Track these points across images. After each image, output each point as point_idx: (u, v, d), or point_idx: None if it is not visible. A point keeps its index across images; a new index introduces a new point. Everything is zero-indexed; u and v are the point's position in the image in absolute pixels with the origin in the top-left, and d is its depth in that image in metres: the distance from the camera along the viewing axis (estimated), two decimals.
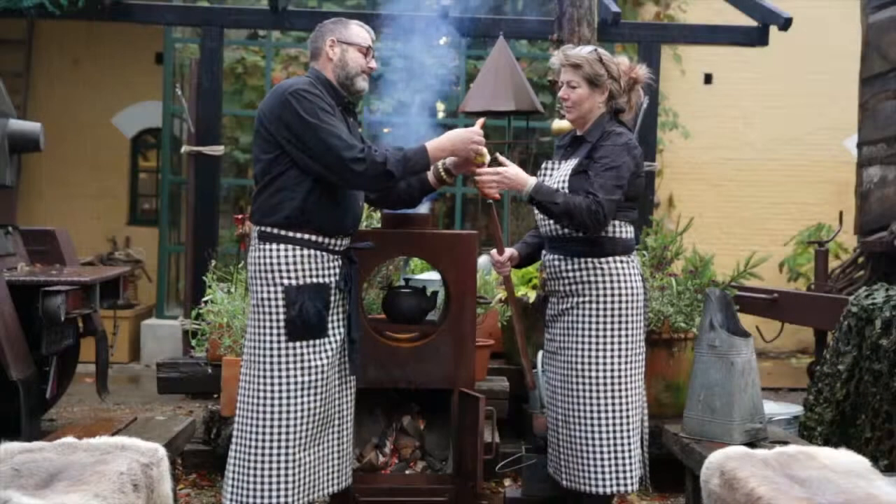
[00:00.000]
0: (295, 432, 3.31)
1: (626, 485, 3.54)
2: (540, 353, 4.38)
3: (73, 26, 9.42)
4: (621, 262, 3.54)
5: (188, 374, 5.25)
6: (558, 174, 3.58)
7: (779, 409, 4.92)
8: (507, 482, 4.77)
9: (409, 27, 6.80)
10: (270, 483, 3.29)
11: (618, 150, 3.45)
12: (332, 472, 3.49)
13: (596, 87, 3.55)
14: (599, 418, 3.51)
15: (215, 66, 7.15)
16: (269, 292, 3.32)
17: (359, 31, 3.48)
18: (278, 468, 3.30)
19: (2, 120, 5.46)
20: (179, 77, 9.11)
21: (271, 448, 3.30)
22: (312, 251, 3.33)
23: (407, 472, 3.83)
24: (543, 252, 3.70)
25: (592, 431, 3.51)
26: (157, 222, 9.44)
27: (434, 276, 4.75)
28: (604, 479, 3.50)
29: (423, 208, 6.83)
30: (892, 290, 4.52)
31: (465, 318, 3.76)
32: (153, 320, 9.02)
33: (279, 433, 3.30)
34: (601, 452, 3.51)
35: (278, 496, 3.29)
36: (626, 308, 3.54)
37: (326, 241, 3.36)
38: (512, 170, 3.49)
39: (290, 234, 3.31)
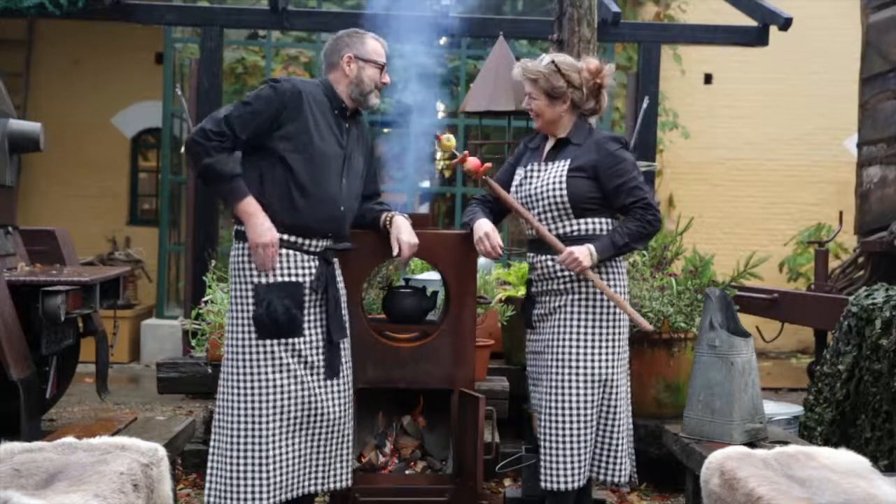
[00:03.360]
0: (265, 430, 3.33)
1: (627, 475, 3.62)
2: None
3: (73, 26, 9.42)
4: (615, 268, 3.63)
5: (188, 374, 5.25)
6: (548, 176, 3.59)
7: (779, 409, 4.92)
8: (507, 482, 4.78)
9: (409, 27, 6.80)
10: (241, 479, 3.33)
11: (621, 153, 3.56)
12: (314, 471, 3.46)
13: (555, 99, 3.60)
14: (587, 412, 3.54)
15: (215, 66, 7.15)
16: (241, 290, 3.38)
17: (375, 48, 3.52)
18: (247, 465, 3.33)
19: (2, 120, 5.46)
20: (179, 77, 9.11)
21: (242, 445, 3.34)
22: (285, 250, 3.37)
23: (407, 472, 3.83)
24: (530, 255, 3.72)
25: (581, 426, 3.54)
26: (157, 222, 9.44)
27: (434, 276, 4.74)
28: (606, 472, 3.56)
29: (423, 208, 6.83)
30: (892, 290, 4.52)
31: (465, 318, 3.76)
32: (153, 320, 9.02)
33: (249, 430, 3.34)
34: (599, 446, 3.54)
35: (250, 493, 3.32)
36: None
37: (300, 241, 3.40)
38: (577, 252, 3.49)
39: None
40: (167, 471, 3.03)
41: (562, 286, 3.59)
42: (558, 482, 3.50)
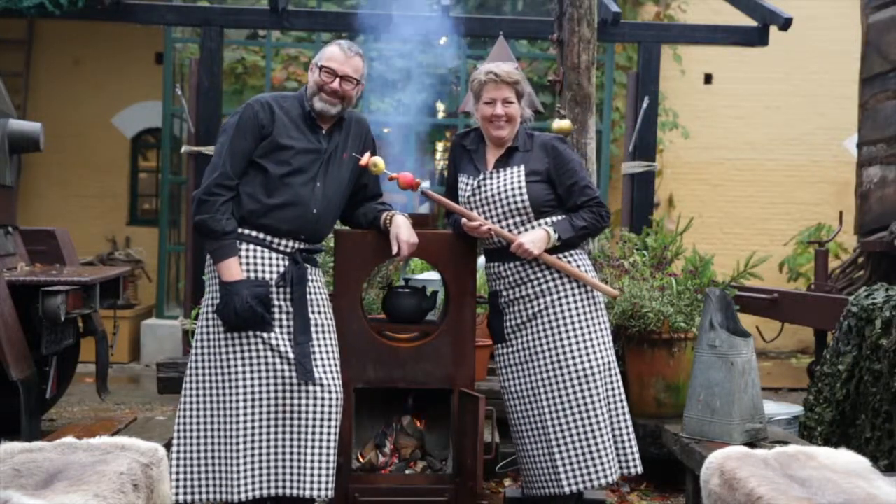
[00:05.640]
0: (235, 420, 3.37)
1: (636, 466, 3.66)
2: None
3: (73, 26, 9.41)
4: (578, 254, 3.69)
5: None
6: (503, 182, 3.63)
7: (779, 409, 4.92)
8: (507, 482, 4.77)
9: (409, 27, 6.79)
10: (175, 475, 3.41)
11: (568, 153, 3.70)
12: (289, 472, 3.42)
13: (521, 99, 3.70)
14: (600, 406, 3.58)
15: (215, 66, 7.14)
16: (211, 284, 3.50)
17: (330, 53, 3.54)
18: (181, 458, 3.44)
19: (2, 120, 5.46)
20: (179, 77, 9.11)
21: (212, 436, 3.43)
22: (254, 247, 3.44)
23: (407, 472, 3.83)
24: (495, 264, 3.73)
25: (598, 420, 3.57)
26: (157, 222, 9.44)
27: (434, 276, 4.74)
28: (612, 467, 3.57)
29: (424, 208, 6.83)
30: (892, 290, 4.52)
31: (465, 318, 3.76)
32: (153, 320, 9.02)
33: (218, 421, 3.42)
34: (604, 440, 3.57)
35: (182, 489, 3.41)
36: (598, 295, 3.68)
37: (271, 240, 3.46)
38: (529, 236, 3.56)
39: (241, 230, 3.45)
40: (167, 471, 3.03)
41: (537, 288, 3.63)
42: (594, 479, 3.55)
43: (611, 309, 4.69)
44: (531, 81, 7.74)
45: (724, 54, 9.90)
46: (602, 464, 3.56)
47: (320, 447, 3.42)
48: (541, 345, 3.61)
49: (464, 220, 3.65)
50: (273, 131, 3.45)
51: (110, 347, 5.78)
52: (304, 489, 3.40)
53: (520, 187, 3.60)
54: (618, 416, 3.65)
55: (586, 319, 3.61)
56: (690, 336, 4.72)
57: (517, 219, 3.62)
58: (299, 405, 3.42)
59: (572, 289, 3.62)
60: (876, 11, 7.02)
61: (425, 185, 8.68)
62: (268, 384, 3.41)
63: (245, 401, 3.39)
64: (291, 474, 3.42)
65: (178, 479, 3.42)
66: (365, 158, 3.60)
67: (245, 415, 3.39)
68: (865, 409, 4.36)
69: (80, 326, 5.60)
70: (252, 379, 3.40)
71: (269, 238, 3.46)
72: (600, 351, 3.61)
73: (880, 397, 4.26)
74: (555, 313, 3.60)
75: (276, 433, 3.42)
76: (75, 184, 10.27)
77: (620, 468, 3.65)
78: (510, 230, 3.63)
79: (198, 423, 3.46)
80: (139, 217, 10.69)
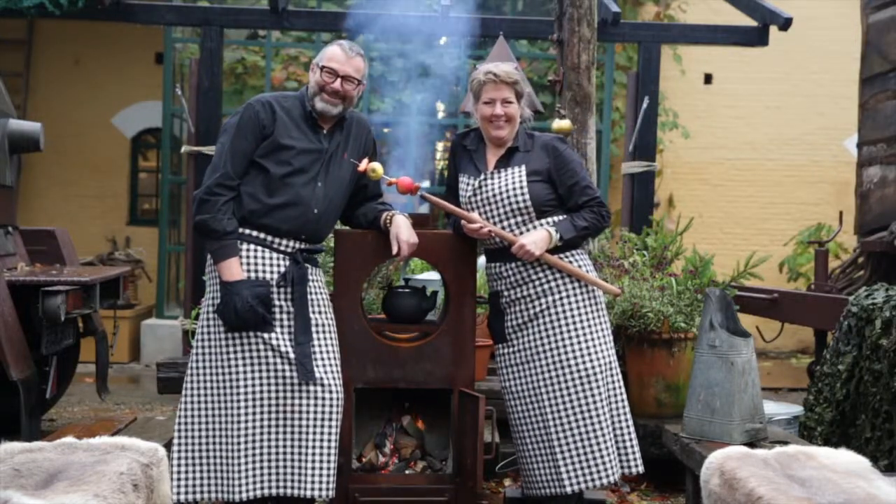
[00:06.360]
0: (235, 420, 3.38)
1: (637, 465, 3.67)
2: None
3: (73, 26, 9.42)
4: (579, 254, 3.69)
5: None
6: (504, 182, 3.63)
7: (779, 409, 4.92)
8: (507, 482, 4.78)
9: (409, 27, 6.80)
10: (176, 474, 3.41)
11: (569, 153, 3.70)
12: (290, 472, 3.42)
13: (520, 100, 3.69)
14: (601, 405, 3.58)
15: (215, 66, 7.14)
16: (212, 284, 3.51)
17: (331, 53, 3.54)
18: (181, 457, 3.44)
19: (2, 120, 5.47)
20: (179, 77, 9.11)
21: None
22: (255, 247, 3.44)
23: (407, 472, 3.83)
24: (496, 265, 3.73)
25: (600, 420, 3.57)
26: (157, 222, 9.45)
27: (434, 276, 4.74)
28: (613, 466, 3.58)
29: (424, 208, 6.85)
30: (892, 290, 4.52)
31: (465, 318, 3.76)
32: (153, 320, 9.02)
33: (219, 421, 3.42)
34: (606, 440, 3.57)
35: (182, 488, 3.41)
36: (598, 295, 3.68)
37: (272, 240, 3.47)
38: (530, 237, 3.56)
39: (241, 230, 3.45)
40: (167, 471, 3.03)
41: (539, 289, 3.63)
42: (595, 478, 3.55)
43: (611, 309, 4.69)
44: (531, 81, 7.74)
45: (724, 54, 9.90)
46: (603, 463, 3.56)
47: (321, 447, 3.42)
48: (542, 345, 3.62)
49: (463, 221, 3.65)
50: (274, 131, 3.46)
51: (110, 347, 5.79)
52: (305, 489, 3.40)
53: (521, 187, 3.60)
54: (619, 415, 3.65)
55: (588, 319, 3.62)
56: (690, 336, 4.72)
57: (519, 219, 3.62)
58: (300, 405, 3.42)
59: (574, 289, 3.62)
60: (876, 11, 7.02)
61: (424, 186, 8.72)
62: (268, 384, 3.41)
63: (245, 401, 3.39)
64: (292, 474, 3.42)
65: (178, 479, 3.42)
66: (363, 164, 3.59)
67: (246, 415, 3.39)
68: (865, 409, 4.36)
69: (80, 326, 5.60)
70: (253, 379, 3.40)
71: (269, 238, 3.46)
72: (602, 350, 3.61)
73: (880, 397, 4.26)
74: (556, 313, 3.61)
75: (276, 433, 3.42)
76: (75, 184, 10.27)
77: (621, 467, 3.65)
78: (512, 230, 3.63)
79: (198, 423, 3.46)
80: (139, 217, 10.69)
